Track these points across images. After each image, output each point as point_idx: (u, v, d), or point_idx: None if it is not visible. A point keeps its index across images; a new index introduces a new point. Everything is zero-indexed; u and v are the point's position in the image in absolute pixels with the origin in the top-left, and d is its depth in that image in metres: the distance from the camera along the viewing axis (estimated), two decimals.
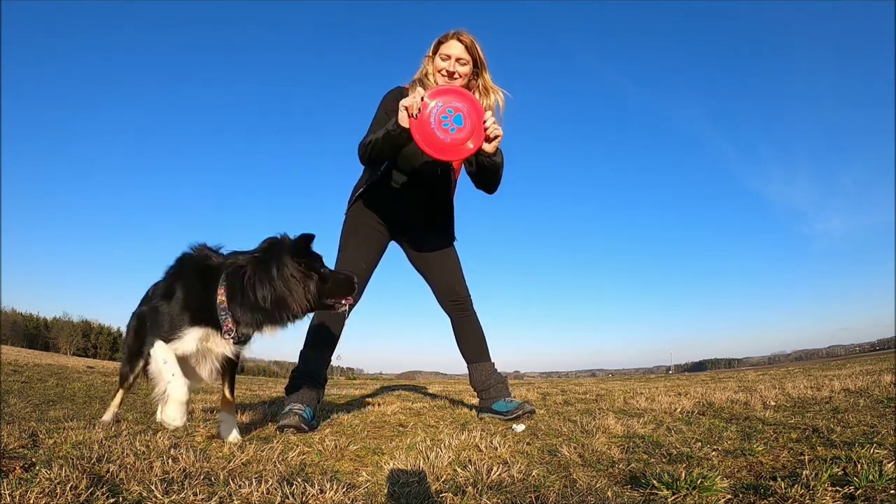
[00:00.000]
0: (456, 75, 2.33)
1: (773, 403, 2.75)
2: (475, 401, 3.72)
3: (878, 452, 1.47)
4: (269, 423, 2.54)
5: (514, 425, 2.35)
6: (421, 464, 1.61)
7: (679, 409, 2.70)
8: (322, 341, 2.58)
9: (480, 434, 2.09)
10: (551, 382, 7.59)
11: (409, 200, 2.55)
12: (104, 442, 1.79)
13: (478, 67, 2.35)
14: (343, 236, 2.64)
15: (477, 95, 2.34)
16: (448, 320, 2.81)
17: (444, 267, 2.71)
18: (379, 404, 3.53)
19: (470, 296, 2.79)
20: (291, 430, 2.22)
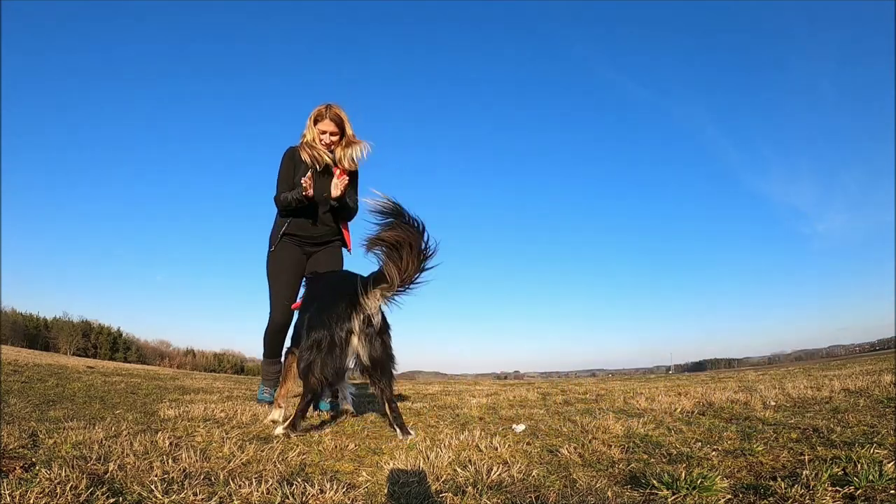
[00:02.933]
0: (332, 145, 3.26)
1: (773, 403, 2.75)
2: (475, 401, 3.72)
3: (878, 452, 1.47)
4: (269, 423, 2.54)
5: (515, 425, 2.36)
6: (421, 464, 1.61)
7: (679, 409, 2.70)
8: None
9: (480, 434, 2.09)
10: (551, 382, 7.59)
11: (323, 221, 3.32)
12: (104, 442, 1.80)
13: (343, 132, 3.26)
14: (274, 270, 3.25)
15: (340, 150, 3.24)
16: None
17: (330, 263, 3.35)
18: (379, 404, 3.53)
19: None
20: None
